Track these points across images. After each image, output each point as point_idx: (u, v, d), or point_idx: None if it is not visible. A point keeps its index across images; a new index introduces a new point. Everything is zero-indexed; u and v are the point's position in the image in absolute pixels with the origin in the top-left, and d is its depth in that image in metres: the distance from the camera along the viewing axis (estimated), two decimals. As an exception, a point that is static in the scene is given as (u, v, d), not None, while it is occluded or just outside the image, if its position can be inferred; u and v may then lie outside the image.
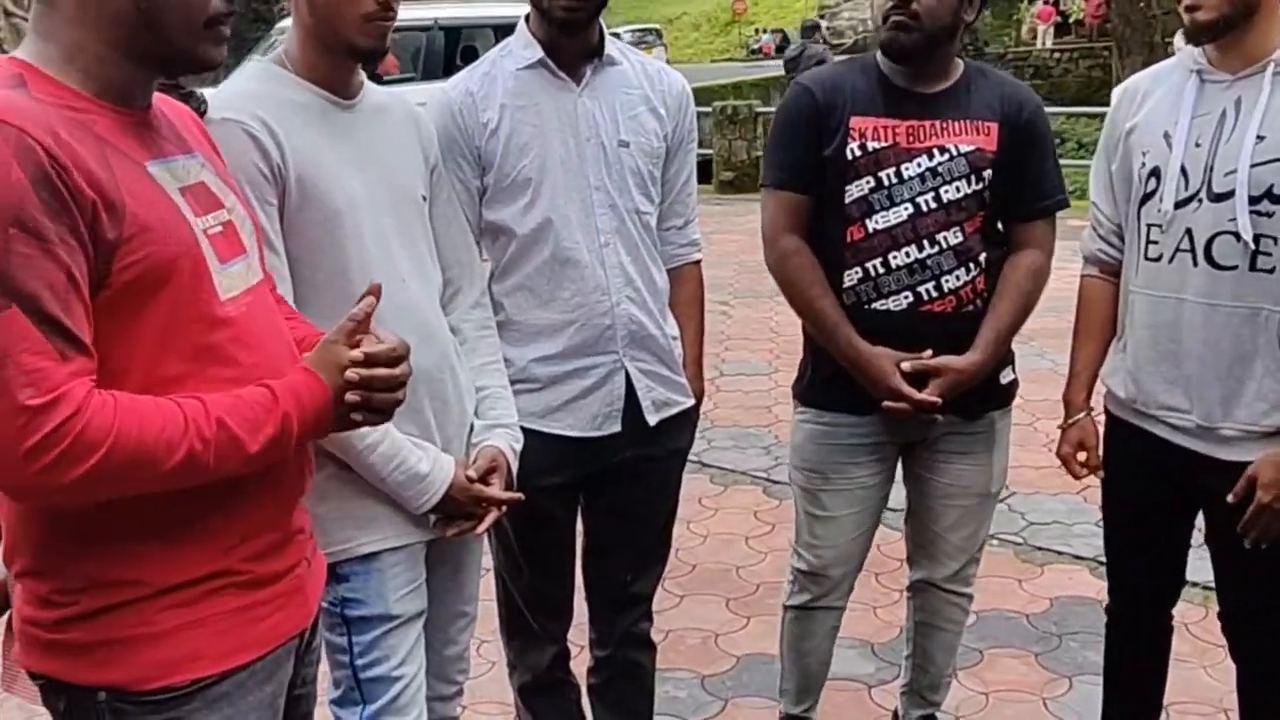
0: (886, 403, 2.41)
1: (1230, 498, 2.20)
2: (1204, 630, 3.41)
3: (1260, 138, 2.14)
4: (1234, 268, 2.18)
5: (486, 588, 2.43)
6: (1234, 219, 2.16)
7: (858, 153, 2.42)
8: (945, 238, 2.42)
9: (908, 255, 2.43)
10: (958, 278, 2.44)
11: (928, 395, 2.39)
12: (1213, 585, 3.71)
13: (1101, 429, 2.52)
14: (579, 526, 2.58)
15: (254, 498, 1.53)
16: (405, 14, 2.03)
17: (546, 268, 2.32)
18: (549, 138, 2.30)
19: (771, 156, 2.56)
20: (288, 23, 1.98)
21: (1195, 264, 2.21)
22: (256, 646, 1.54)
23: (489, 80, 2.34)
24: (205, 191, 1.53)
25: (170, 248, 1.40)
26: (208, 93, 1.94)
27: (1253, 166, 2.14)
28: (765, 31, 39.02)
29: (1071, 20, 26.42)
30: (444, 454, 2.06)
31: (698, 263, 2.57)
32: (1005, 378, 2.59)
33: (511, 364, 2.33)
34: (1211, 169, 2.19)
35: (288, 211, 1.90)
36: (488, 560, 2.43)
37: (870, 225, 2.43)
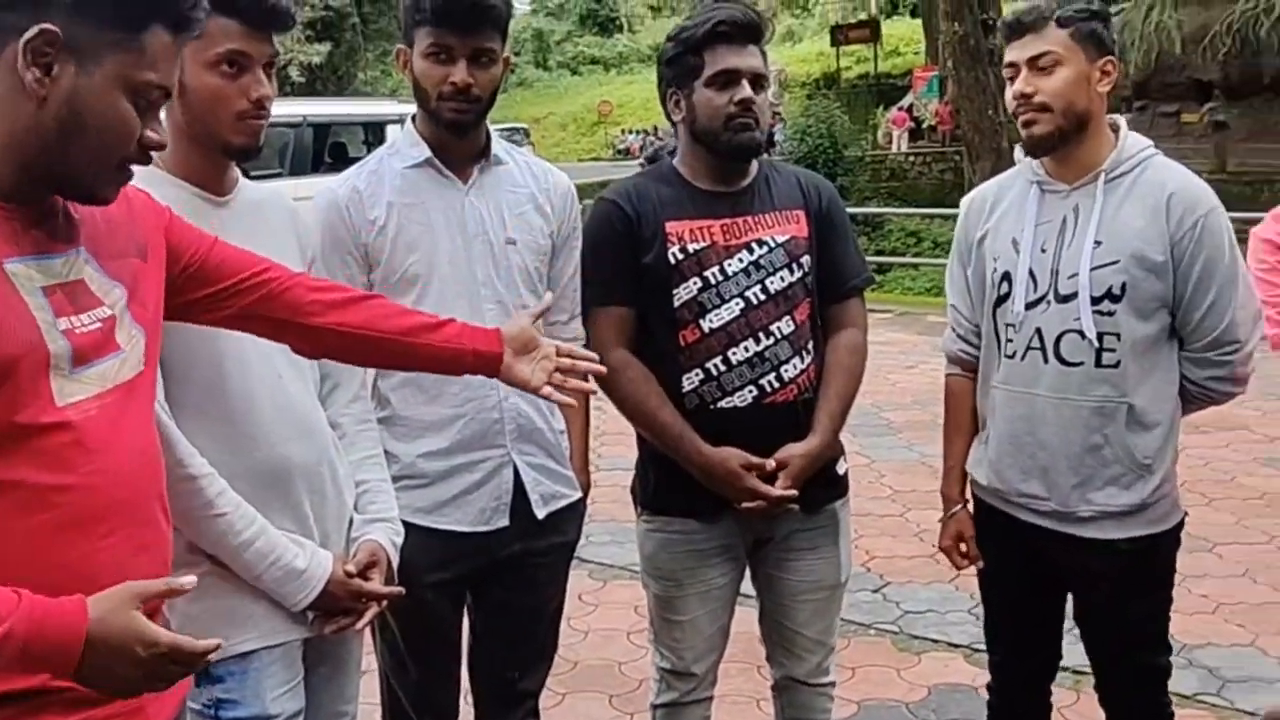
0: (745, 504, 2.43)
1: None
2: (1076, 714, 3.49)
3: (1098, 242, 2.31)
4: (1080, 364, 2.34)
5: (366, 690, 2.38)
6: (1079, 318, 2.32)
7: (680, 256, 2.46)
8: (779, 327, 2.48)
9: (746, 350, 2.46)
10: (795, 366, 2.49)
11: (782, 489, 2.43)
12: (1084, 669, 3.84)
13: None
14: (465, 623, 2.55)
15: None
16: (274, 110, 2.04)
17: None
18: (437, 235, 2.32)
19: (590, 274, 2.53)
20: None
21: (1046, 361, 2.37)
22: None
23: (376, 178, 2.35)
24: (82, 290, 1.50)
25: (9, 348, 1.37)
26: None
27: (1093, 269, 2.31)
28: (631, 132, 39.86)
29: (924, 126, 27.59)
30: (321, 549, 2.02)
31: (582, 358, 2.59)
32: (840, 468, 2.64)
33: (398, 460, 2.32)
34: (1057, 273, 2.35)
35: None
36: (367, 661, 2.38)
37: (705, 325, 2.46)
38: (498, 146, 2.42)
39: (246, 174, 2.13)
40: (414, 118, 2.40)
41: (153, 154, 1.94)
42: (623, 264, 2.49)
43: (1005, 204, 2.48)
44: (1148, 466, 2.35)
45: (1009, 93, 2.37)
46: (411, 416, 2.33)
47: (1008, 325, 2.43)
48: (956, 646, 4.07)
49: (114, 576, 1.43)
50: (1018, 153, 2.49)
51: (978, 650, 3.95)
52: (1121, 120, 2.43)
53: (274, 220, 2.11)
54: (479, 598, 2.50)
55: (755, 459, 2.43)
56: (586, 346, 2.53)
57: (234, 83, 1.91)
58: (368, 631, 2.23)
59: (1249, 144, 22.98)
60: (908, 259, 14.95)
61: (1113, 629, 2.47)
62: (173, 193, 1.94)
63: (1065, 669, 3.69)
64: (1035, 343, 2.38)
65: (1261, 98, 23.32)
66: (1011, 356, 2.42)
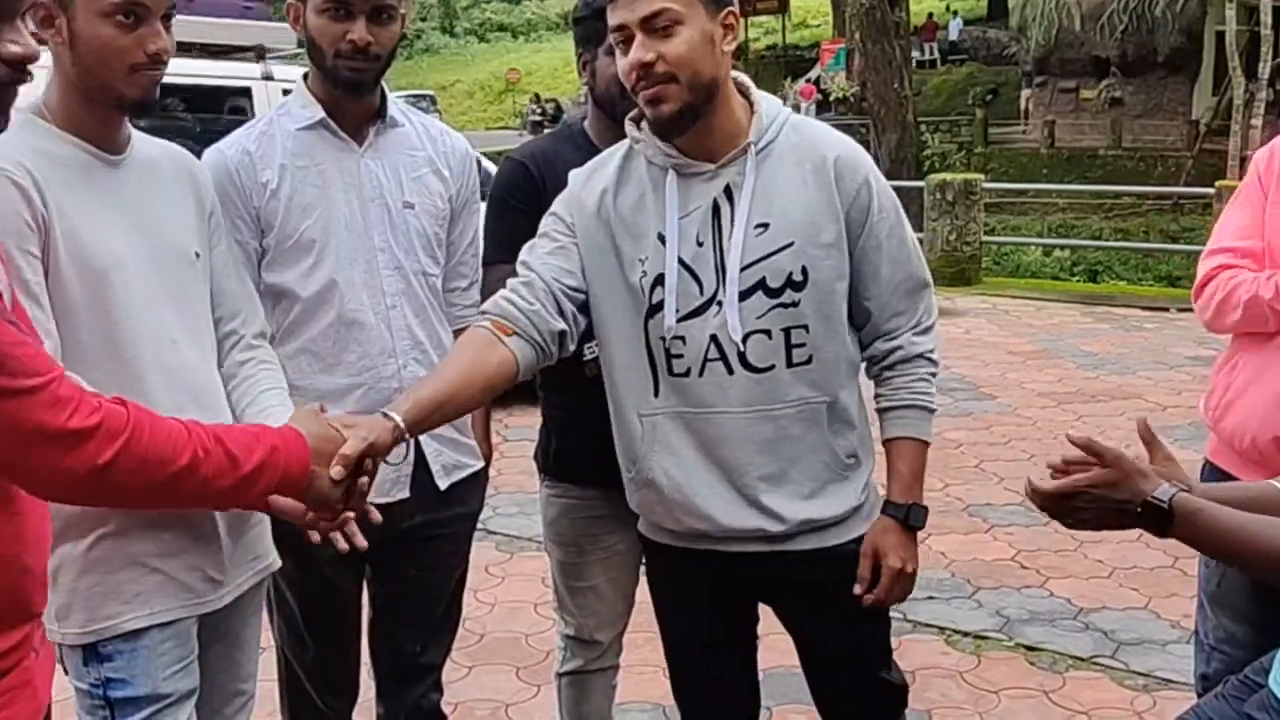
0: None
1: (859, 588, 2.08)
2: (976, 677, 3.55)
3: (764, 225, 2.00)
4: (772, 367, 2.02)
5: (265, 667, 2.32)
6: (761, 316, 2.00)
7: None
8: None
9: None
10: None
11: None
12: (985, 633, 3.91)
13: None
14: (364, 597, 2.50)
15: None
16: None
17: (331, 330, 2.26)
18: (333, 198, 2.26)
19: (492, 233, 2.47)
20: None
21: (731, 372, 2.02)
22: None
23: (267, 139, 2.27)
24: None
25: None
26: None
27: (767, 256, 1.99)
28: (539, 100, 39.55)
29: (832, 99, 27.80)
30: None
31: (483, 324, 2.55)
32: None
33: (294, 430, 2.25)
34: (723, 269, 2.01)
35: (50, 267, 1.79)
36: (265, 637, 2.32)
37: None
38: (394, 108, 2.35)
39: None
40: (305, 76, 2.32)
41: (42, 108, 1.87)
42: (526, 224, 2.44)
43: (633, 193, 2.08)
44: (853, 463, 2.11)
45: (621, 64, 1.98)
46: (307, 386, 2.26)
47: (674, 339, 2.03)
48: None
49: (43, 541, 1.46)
50: (629, 128, 2.10)
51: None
52: (745, 78, 2.10)
53: (169, 178, 2.02)
54: (379, 571, 2.45)
55: None
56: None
57: (130, 34, 1.82)
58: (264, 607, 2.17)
59: (1143, 120, 23.63)
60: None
61: (844, 645, 2.20)
62: (61, 149, 1.86)
63: (966, 633, 3.78)
64: (714, 353, 2.01)
65: (1155, 75, 23.97)
66: (684, 374, 2.03)
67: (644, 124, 2.06)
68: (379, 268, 2.28)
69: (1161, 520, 1.61)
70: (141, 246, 1.91)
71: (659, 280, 2.03)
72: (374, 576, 2.48)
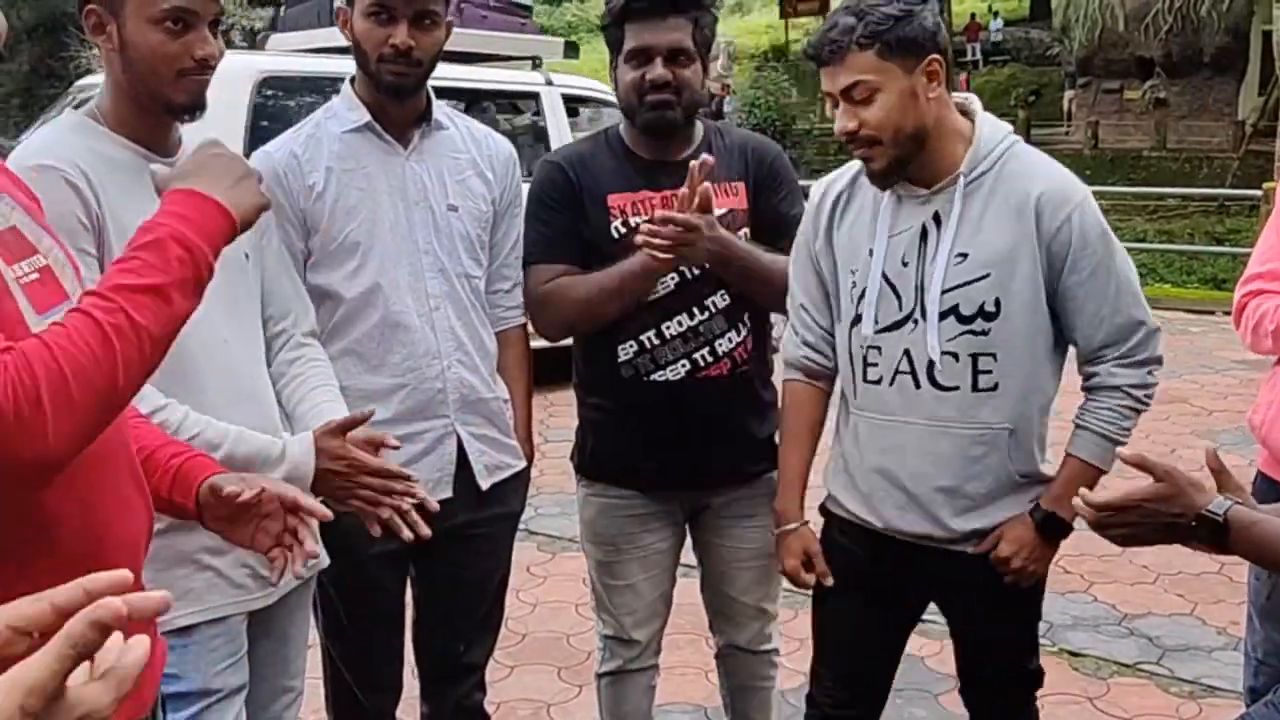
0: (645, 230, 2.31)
1: (978, 548, 2.18)
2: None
3: (963, 255, 2.08)
4: (956, 388, 2.11)
5: (312, 664, 2.35)
6: (952, 340, 2.10)
7: (623, 230, 2.44)
8: (714, 301, 2.46)
9: (680, 324, 2.44)
10: (730, 340, 2.47)
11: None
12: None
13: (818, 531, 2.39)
14: (408, 596, 2.52)
15: (54, 578, 1.42)
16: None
17: (376, 332, 2.28)
18: (378, 201, 2.28)
19: (531, 234, 2.50)
20: (90, 79, 1.88)
21: (918, 386, 2.13)
22: None
23: (314, 142, 2.30)
24: (16, 237, 1.43)
25: None
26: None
27: (963, 285, 2.08)
28: (580, 104, 39.65)
29: (871, 100, 27.71)
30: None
31: (524, 325, 2.56)
32: (778, 437, 2.59)
33: (339, 430, 2.27)
34: (923, 289, 2.11)
35: (105, 266, 1.82)
36: (312, 635, 2.34)
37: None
38: (439, 111, 2.37)
39: None
40: (352, 80, 2.35)
41: (96, 111, 1.90)
42: (565, 225, 2.46)
43: (857, 206, 2.22)
44: (1026, 483, 2.17)
45: (836, 124, 2.10)
46: (352, 387, 2.27)
47: (870, 348, 2.17)
48: (902, 616, 4.08)
49: (92, 533, 1.41)
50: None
51: (924, 621, 3.98)
52: (975, 104, 2.20)
53: None
54: (422, 570, 2.48)
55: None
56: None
57: (178, 40, 1.85)
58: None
59: (1188, 121, 23.35)
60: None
61: (995, 639, 2.32)
62: (115, 151, 1.89)
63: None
64: (905, 366, 2.13)
65: (1200, 75, 23.68)
66: (876, 382, 2.17)
67: None
68: (423, 270, 2.30)
69: (1217, 533, 1.60)
70: None
71: (864, 293, 2.16)
72: (417, 576, 2.50)
